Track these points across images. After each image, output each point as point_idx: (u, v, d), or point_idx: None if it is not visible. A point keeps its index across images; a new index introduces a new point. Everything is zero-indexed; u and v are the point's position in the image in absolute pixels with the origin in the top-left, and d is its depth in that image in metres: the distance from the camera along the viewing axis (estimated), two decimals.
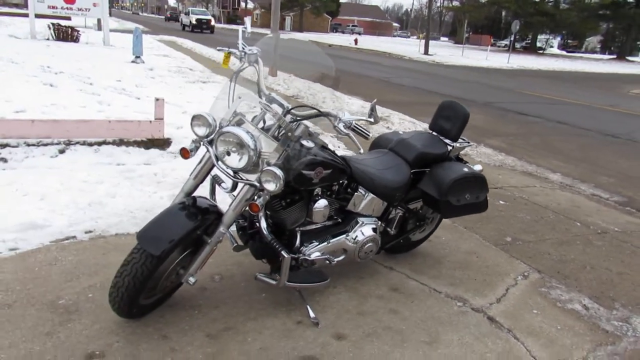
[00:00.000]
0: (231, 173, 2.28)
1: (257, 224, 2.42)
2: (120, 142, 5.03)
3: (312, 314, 2.53)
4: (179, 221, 2.18)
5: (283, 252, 2.32)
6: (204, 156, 2.38)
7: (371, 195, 2.76)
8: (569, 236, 4.04)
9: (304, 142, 2.36)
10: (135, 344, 2.20)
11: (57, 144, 4.74)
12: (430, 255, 3.39)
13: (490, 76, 20.01)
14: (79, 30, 14.22)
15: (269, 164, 2.21)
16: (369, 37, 55.95)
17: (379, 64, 21.39)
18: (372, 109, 2.27)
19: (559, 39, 66.50)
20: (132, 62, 10.56)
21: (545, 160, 6.70)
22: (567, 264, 3.50)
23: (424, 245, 3.44)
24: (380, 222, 2.88)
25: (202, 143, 2.35)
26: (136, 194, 3.95)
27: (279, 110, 2.26)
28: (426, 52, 30.84)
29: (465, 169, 2.98)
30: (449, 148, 3.08)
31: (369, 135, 2.34)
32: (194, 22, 35.44)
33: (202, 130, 2.27)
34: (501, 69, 25.79)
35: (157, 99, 5.11)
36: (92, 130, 4.89)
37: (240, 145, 2.17)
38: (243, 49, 2.45)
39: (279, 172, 2.13)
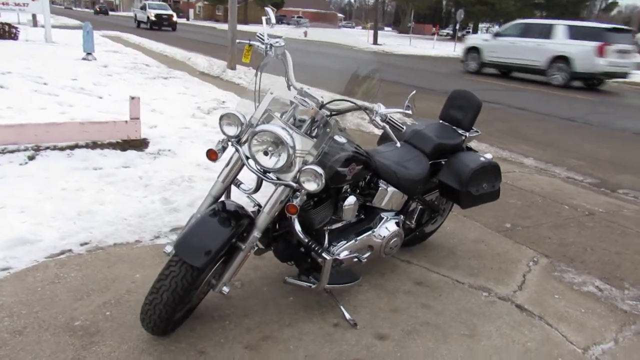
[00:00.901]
0: (260, 174, 2.15)
1: (289, 226, 2.30)
2: (94, 145, 4.72)
3: (347, 315, 2.44)
4: (215, 229, 2.03)
5: (324, 254, 2.21)
6: (231, 158, 2.22)
7: (393, 189, 2.70)
8: (561, 219, 4.14)
9: (337, 138, 2.26)
10: None
11: (24, 150, 4.39)
12: (442, 246, 3.37)
13: (441, 64, 20.41)
14: (17, 27, 13.30)
15: (306, 163, 2.09)
16: (316, 29, 55.75)
17: (332, 55, 21.32)
18: (411, 101, 2.19)
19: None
20: (84, 59, 9.98)
21: (515, 145, 6.87)
22: (568, 247, 3.58)
23: (433, 236, 3.41)
24: (402, 216, 2.82)
25: (230, 143, 2.20)
26: (124, 199, 3.71)
27: (314, 105, 2.13)
28: (375, 42, 31.12)
29: (482, 159, 2.97)
30: (463, 138, 3.05)
31: (403, 128, 2.26)
32: (152, 17, 29.39)
33: (232, 130, 2.12)
34: (449, 57, 26.35)
35: (132, 98, 4.83)
36: (64, 134, 4.56)
37: (278, 144, 2.03)
38: (268, 41, 2.30)
39: (320, 170, 2.02)
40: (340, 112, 2.19)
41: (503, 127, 8.15)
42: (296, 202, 2.12)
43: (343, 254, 2.48)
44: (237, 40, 2.56)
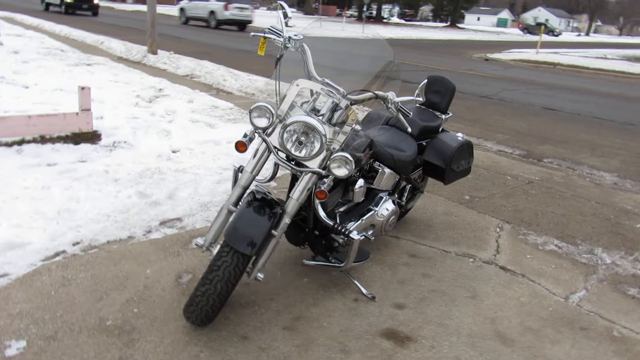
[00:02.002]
0: (286, 163, 2.25)
1: (310, 211, 2.42)
2: (43, 140, 4.46)
3: (364, 290, 2.63)
4: (258, 218, 2.11)
5: (352, 235, 2.36)
6: (258, 149, 2.29)
7: (389, 170, 2.90)
8: (508, 189, 4.61)
9: (355, 125, 2.41)
10: (222, 350, 2.11)
11: None
12: (419, 220, 3.66)
13: (355, 46, 20.87)
14: None
15: (334, 150, 2.23)
16: None
17: (248, 38, 21.03)
18: (421, 89, 2.38)
19: (397, 8, 71.17)
20: None
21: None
22: (522, 213, 4.02)
23: (410, 212, 3.68)
24: (395, 195, 3.04)
25: (256, 134, 2.27)
26: (99, 195, 3.59)
27: (340, 96, 2.26)
28: (286, 25, 30.96)
29: (459, 138, 3.26)
30: (441, 120, 3.32)
31: (410, 114, 2.46)
32: (68, 0, 24.35)
33: (263, 122, 2.19)
34: (358, 39, 26.98)
35: (82, 88, 4.58)
36: (10, 128, 4.27)
37: (309, 133, 2.14)
38: (287, 33, 2.37)
39: (350, 157, 2.16)
40: (359, 102, 2.33)
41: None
42: (324, 187, 2.25)
43: (354, 234, 2.65)
44: (252, 33, 2.59)
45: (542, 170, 5.39)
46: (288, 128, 2.13)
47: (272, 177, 2.55)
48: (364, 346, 2.21)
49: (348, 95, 2.30)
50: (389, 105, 2.34)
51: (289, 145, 2.17)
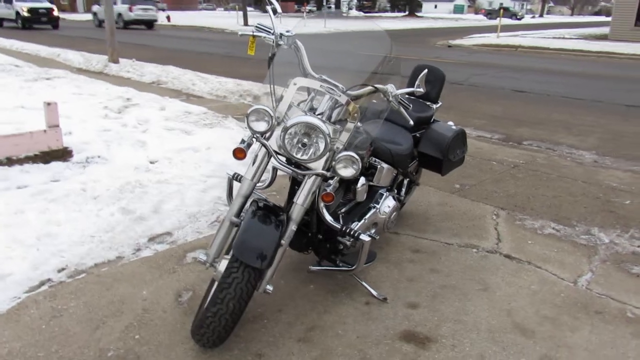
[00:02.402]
0: (288, 167, 2.13)
1: (314, 215, 2.31)
2: (10, 161, 4.21)
3: (374, 292, 2.54)
4: (266, 229, 1.98)
5: (362, 237, 2.26)
6: (257, 154, 2.16)
7: (386, 165, 2.81)
8: (496, 174, 4.59)
9: (357, 122, 2.30)
10: None
11: None
12: (415, 213, 3.59)
13: (312, 40, 20.75)
14: None
15: (337, 150, 2.12)
16: (177, 13, 53.33)
17: (209, 40, 20.70)
18: (421, 80, 2.30)
19: (355, 0, 71.35)
20: None
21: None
22: (515, 198, 4.00)
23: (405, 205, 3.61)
24: (395, 191, 2.95)
25: (255, 139, 2.13)
26: (79, 216, 3.39)
27: (341, 93, 2.14)
28: (246, 24, 30.66)
29: (453, 127, 3.19)
30: (433, 110, 3.24)
31: (410, 106, 2.37)
32: (25, 13, 22.61)
33: (262, 126, 2.06)
34: (320, 33, 26.90)
35: (47, 103, 4.34)
36: None
37: (311, 134, 2.03)
38: (278, 31, 2.24)
39: (357, 156, 2.06)
40: (359, 97, 2.23)
41: None
42: (330, 189, 2.14)
43: (363, 236, 2.54)
44: (240, 32, 2.45)
45: (524, 153, 5.40)
46: (289, 130, 2.01)
47: (271, 183, 2.43)
48: (384, 352, 2.12)
49: (348, 91, 2.19)
50: (390, 99, 2.25)
51: (291, 148, 2.05)
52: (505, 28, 28.08)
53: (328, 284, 2.63)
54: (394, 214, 2.83)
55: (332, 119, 2.18)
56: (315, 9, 52.25)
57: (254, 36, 2.30)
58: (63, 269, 2.75)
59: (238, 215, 2.15)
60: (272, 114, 2.04)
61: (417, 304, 2.48)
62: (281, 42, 2.24)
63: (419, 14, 50.62)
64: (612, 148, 5.70)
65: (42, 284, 2.59)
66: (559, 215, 3.66)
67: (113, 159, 4.53)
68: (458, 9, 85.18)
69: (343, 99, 2.11)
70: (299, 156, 2.07)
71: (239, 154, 2.12)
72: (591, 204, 3.90)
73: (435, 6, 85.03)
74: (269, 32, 2.28)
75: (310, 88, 2.17)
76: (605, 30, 24.79)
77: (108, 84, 8.07)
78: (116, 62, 10.56)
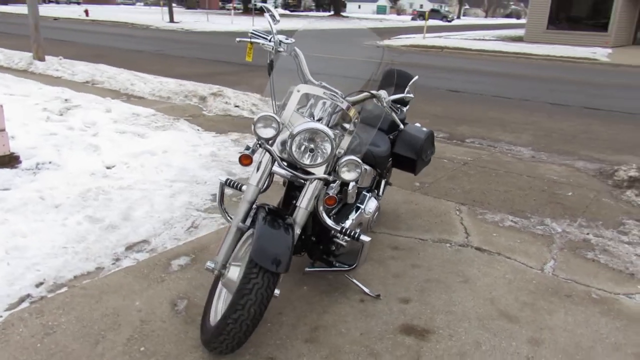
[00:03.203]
0: (291, 172, 2.18)
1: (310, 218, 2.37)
2: None
3: (367, 290, 2.64)
4: (279, 234, 2.02)
5: (363, 237, 2.35)
6: (260, 161, 2.18)
7: (369, 167, 2.92)
8: (450, 172, 4.86)
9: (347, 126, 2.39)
10: None
11: None
12: (386, 212, 3.73)
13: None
14: None
15: (339, 154, 2.20)
16: (95, 7, 50.66)
17: (135, 36, 19.91)
18: (411, 86, 2.42)
19: None
20: None
21: None
22: (471, 194, 4.27)
23: None
24: (376, 191, 3.07)
25: (259, 146, 2.16)
26: (43, 226, 3.23)
27: (343, 100, 2.22)
28: (172, 20, 29.77)
29: (424, 129, 3.36)
30: (404, 112, 3.39)
31: (399, 112, 2.49)
32: None
33: (269, 132, 2.09)
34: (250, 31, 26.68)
35: None
36: None
37: (319, 140, 2.09)
38: (277, 37, 2.27)
39: (359, 160, 2.15)
40: (356, 103, 2.31)
41: None
42: (332, 193, 2.22)
43: (363, 236, 2.62)
44: (238, 39, 2.43)
45: (470, 150, 5.73)
46: (299, 137, 2.06)
47: (267, 187, 2.45)
48: (389, 346, 2.22)
49: (347, 97, 2.26)
50: (384, 104, 2.35)
51: (298, 154, 2.10)
52: (430, 29, 29.24)
53: (320, 284, 2.70)
54: (377, 213, 2.95)
55: (330, 125, 2.25)
56: (240, 6, 51.62)
57: (251, 43, 2.31)
58: (41, 283, 2.62)
59: (244, 221, 2.17)
60: (279, 121, 2.08)
61: (409, 299, 2.61)
62: (281, 49, 2.27)
63: (344, 14, 51.47)
64: (545, 144, 6.18)
65: (22, 300, 2.46)
66: (514, 209, 3.95)
67: (65, 165, 4.32)
68: (380, 10, 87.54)
69: (344, 105, 2.19)
70: (304, 161, 2.11)
71: (245, 160, 2.14)
72: (539, 197, 4.24)
73: (359, 6, 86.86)
74: (266, 38, 2.31)
75: (311, 94, 2.22)
76: (520, 32, 26.54)
77: (40, 84, 7.60)
78: (42, 59, 9.94)
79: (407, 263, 2.98)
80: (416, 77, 2.54)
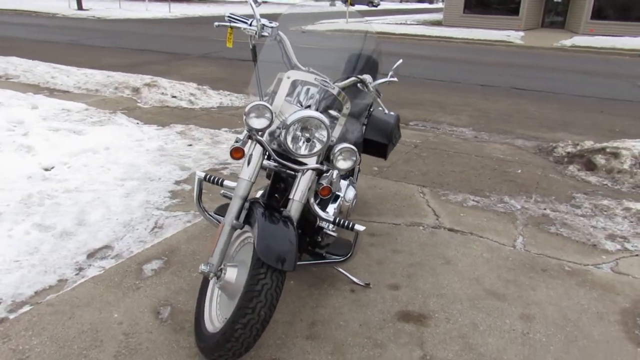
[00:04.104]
0: (282, 163, 2.08)
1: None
2: None
3: (356, 279, 2.60)
4: (283, 230, 1.91)
5: (357, 227, 2.28)
6: (251, 154, 2.04)
7: None
8: (404, 155, 4.91)
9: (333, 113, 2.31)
10: None
11: None
12: None
13: (170, 27, 19.76)
14: None
15: (331, 142, 2.12)
16: None
17: (43, 26, 18.41)
18: (395, 70, 2.37)
19: None
20: None
21: None
22: (429, 175, 4.34)
23: None
24: (352, 178, 3.02)
25: (251, 137, 2.02)
26: None
27: (334, 86, 2.13)
28: (80, 7, 27.83)
29: (391, 113, 3.34)
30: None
31: (380, 95, 2.45)
32: None
33: (263, 122, 1.95)
34: (167, 18, 25.67)
35: None
36: None
37: (313, 129, 1.99)
38: (258, 22, 2.12)
39: (354, 148, 2.08)
40: (345, 88, 2.23)
41: None
42: (325, 182, 2.14)
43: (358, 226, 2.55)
44: (216, 23, 2.24)
45: (416, 133, 5.84)
46: (296, 125, 1.95)
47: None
48: (391, 335, 2.19)
49: (335, 83, 2.18)
50: (371, 89, 2.29)
51: (292, 145, 1.99)
52: (353, 14, 29.46)
53: (305, 277, 2.62)
54: (355, 200, 2.90)
55: (319, 111, 2.15)
56: None
57: (232, 27, 2.15)
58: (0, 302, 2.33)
59: (237, 218, 2.03)
60: (272, 110, 1.96)
61: (398, 285, 2.59)
62: (265, 34, 2.14)
63: None
64: (483, 124, 6.42)
65: None
66: (473, 188, 4.06)
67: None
68: None
69: (335, 91, 2.10)
70: (299, 151, 2.01)
71: (237, 153, 1.99)
72: (492, 176, 4.39)
73: None
74: (245, 22, 2.16)
75: (300, 81, 2.11)
76: (438, 16, 27.47)
77: None
78: None
79: (387, 249, 2.96)
80: (400, 61, 2.49)
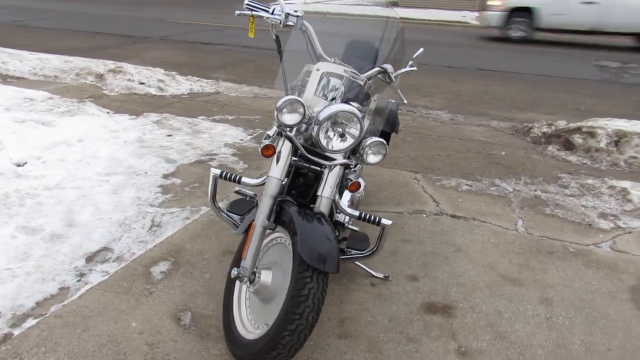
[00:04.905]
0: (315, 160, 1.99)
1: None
2: None
3: (374, 273, 2.56)
4: (322, 229, 1.83)
5: (384, 221, 2.23)
6: (280, 151, 1.94)
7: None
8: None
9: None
10: None
11: None
12: None
13: (114, 7, 18.82)
14: None
15: (358, 137, 2.05)
16: None
17: None
18: (415, 59, 2.31)
19: None
20: None
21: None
22: (419, 161, 4.34)
23: None
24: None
25: (282, 133, 1.93)
26: None
27: (364, 78, 2.05)
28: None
29: (392, 101, 3.29)
30: None
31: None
32: None
33: (295, 118, 1.86)
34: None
35: None
36: None
37: (347, 123, 1.92)
38: (283, 10, 2.00)
39: (383, 141, 2.03)
40: (370, 79, 2.16)
41: (251, 67, 8.48)
42: (353, 177, 2.08)
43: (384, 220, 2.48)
44: (237, 12, 2.09)
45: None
46: (331, 120, 1.86)
47: None
48: (422, 328, 2.18)
49: (363, 75, 2.10)
50: (393, 79, 2.23)
51: (325, 141, 1.90)
52: None
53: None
54: (364, 191, 2.85)
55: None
56: None
57: (253, 16, 2.02)
58: None
59: (269, 218, 1.94)
60: (304, 105, 1.86)
61: (416, 276, 2.58)
62: (290, 23, 2.02)
63: None
64: (457, 106, 6.49)
65: None
66: (463, 172, 4.10)
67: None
68: None
69: (363, 83, 2.03)
70: (331, 147, 1.93)
71: (268, 151, 1.90)
72: (479, 159, 4.45)
73: None
74: (267, 10, 2.04)
75: (328, 73, 2.01)
76: None
77: None
78: None
79: (397, 239, 2.94)
80: (421, 49, 2.43)
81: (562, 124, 5.25)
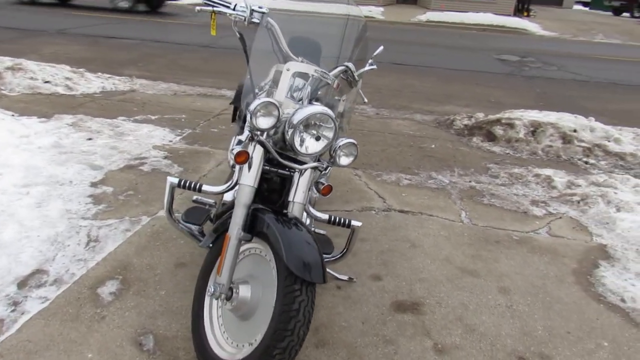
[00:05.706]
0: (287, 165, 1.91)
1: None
2: None
3: (339, 275, 2.52)
4: (303, 238, 1.74)
5: (354, 223, 2.19)
6: (252, 156, 1.83)
7: None
8: None
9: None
10: None
11: None
12: None
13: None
14: None
15: (333, 138, 1.99)
16: None
17: None
18: (374, 57, 2.29)
19: None
20: None
21: (194, 79, 6.98)
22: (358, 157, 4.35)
23: None
24: None
25: (254, 138, 1.81)
26: None
27: (334, 78, 1.98)
28: None
29: (336, 98, 3.25)
30: None
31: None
32: None
33: (270, 122, 1.76)
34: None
35: None
36: None
37: (321, 125, 1.85)
38: (249, 6, 1.86)
39: (354, 142, 1.99)
40: (336, 77, 2.10)
41: (164, 62, 8.08)
42: (324, 180, 2.02)
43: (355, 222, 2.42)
44: (197, 8, 1.90)
45: None
46: (306, 123, 1.78)
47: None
48: (396, 328, 2.18)
49: (331, 73, 2.04)
50: (356, 77, 2.19)
51: (298, 145, 1.82)
52: None
53: None
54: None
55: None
56: None
57: (214, 12, 1.87)
58: None
59: (244, 229, 1.82)
60: (279, 108, 1.76)
61: (379, 275, 2.57)
62: (255, 20, 1.90)
63: None
64: (379, 100, 6.62)
65: None
66: (401, 166, 4.18)
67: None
68: None
69: (334, 83, 1.97)
70: (303, 150, 1.85)
71: (241, 157, 1.77)
72: (412, 152, 4.56)
73: None
74: (228, 6, 1.90)
75: (297, 72, 1.92)
76: None
77: None
78: None
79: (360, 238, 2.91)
80: (381, 48, 2.40)
81: (480, 116, 5.54)
